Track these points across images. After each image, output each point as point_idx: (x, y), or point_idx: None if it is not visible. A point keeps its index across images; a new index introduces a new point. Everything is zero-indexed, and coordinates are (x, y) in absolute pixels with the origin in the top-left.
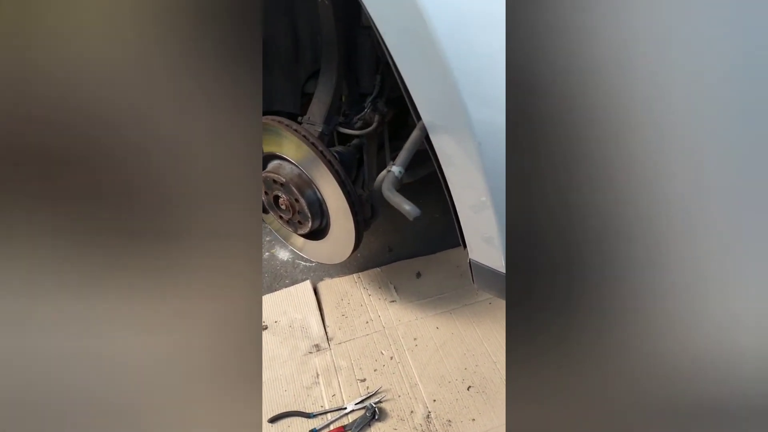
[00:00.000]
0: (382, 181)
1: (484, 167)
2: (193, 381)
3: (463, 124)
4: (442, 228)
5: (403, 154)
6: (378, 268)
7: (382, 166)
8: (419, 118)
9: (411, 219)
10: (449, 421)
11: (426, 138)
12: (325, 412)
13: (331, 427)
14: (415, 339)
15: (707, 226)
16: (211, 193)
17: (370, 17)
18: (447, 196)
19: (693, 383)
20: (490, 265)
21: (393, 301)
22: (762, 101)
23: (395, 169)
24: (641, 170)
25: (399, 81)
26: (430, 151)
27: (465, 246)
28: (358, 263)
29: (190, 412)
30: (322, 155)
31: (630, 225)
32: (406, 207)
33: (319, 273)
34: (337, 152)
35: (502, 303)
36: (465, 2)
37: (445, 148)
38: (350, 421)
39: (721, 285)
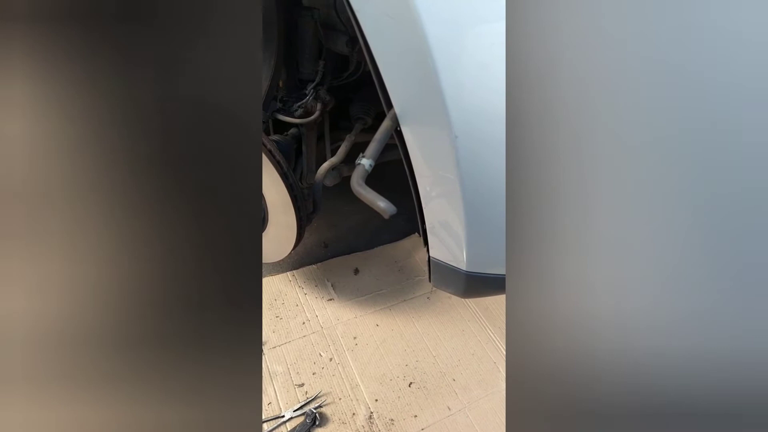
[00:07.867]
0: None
1: (458, 160)
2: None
3: (439, 113)
4: (378, 223)
5: (373, 146)
6: (314, 265)
7: (322, 157)
8: (390, 106)
9: (386, 217)
10: (392, 420)
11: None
12: (261, 423)
13: None
14: (354, 338)
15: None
16: None
17: None
18: (412, 191)
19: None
20: (451, 264)
21: (331, 300)
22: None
23: (365, 162)
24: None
25: (370, 65)
26: (397, 141)
27: (426, 243)
28: (292, 260)
29: None
30: (260, 143)
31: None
32: (381, 204)
33: None
34: (274, 141)
35: (442, 297)
36: None
37: (416, 138)
38: (288, 429)
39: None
